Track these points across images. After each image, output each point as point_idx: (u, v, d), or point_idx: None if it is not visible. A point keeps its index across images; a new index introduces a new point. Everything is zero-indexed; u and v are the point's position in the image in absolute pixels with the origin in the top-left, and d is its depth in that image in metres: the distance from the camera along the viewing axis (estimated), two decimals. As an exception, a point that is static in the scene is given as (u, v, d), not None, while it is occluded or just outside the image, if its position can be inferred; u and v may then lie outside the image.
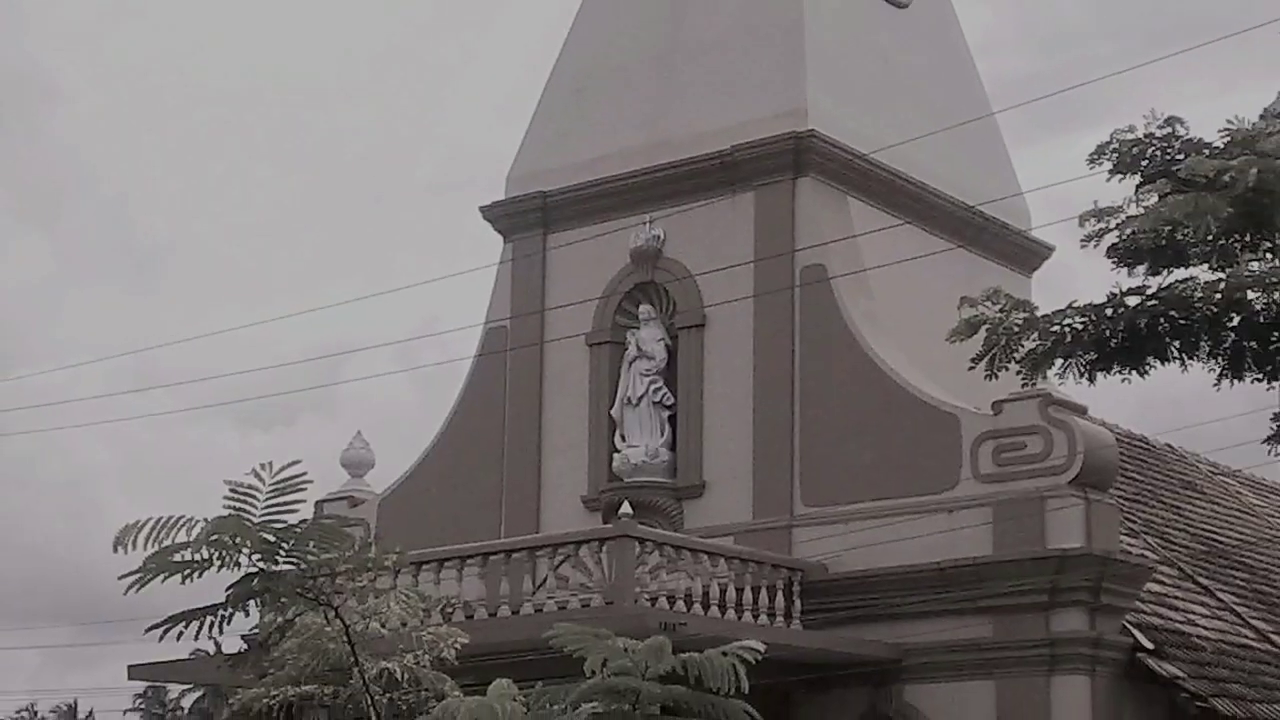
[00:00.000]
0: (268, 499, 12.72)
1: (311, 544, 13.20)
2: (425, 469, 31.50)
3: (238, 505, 12.68)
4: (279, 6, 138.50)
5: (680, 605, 24.29)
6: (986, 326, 14.14)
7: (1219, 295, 13.12)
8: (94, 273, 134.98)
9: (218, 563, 12.72)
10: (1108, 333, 13.44)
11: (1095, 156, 14.09)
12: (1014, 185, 32.02)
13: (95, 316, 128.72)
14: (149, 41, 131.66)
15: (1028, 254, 32.26)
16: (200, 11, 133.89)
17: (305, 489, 12.95)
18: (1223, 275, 13.23)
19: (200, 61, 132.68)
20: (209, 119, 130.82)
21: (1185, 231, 13.03)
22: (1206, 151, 13.48)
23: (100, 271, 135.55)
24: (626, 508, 25.42)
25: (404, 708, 14.41)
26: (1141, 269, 13.52)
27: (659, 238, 29.47)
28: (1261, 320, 13.00)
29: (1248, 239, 13.23)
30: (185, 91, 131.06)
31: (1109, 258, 13.56)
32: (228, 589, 13.06)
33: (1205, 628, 28.33)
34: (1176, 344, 13.35)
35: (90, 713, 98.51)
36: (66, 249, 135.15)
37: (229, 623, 13.29)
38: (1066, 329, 13.67)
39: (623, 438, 29.24)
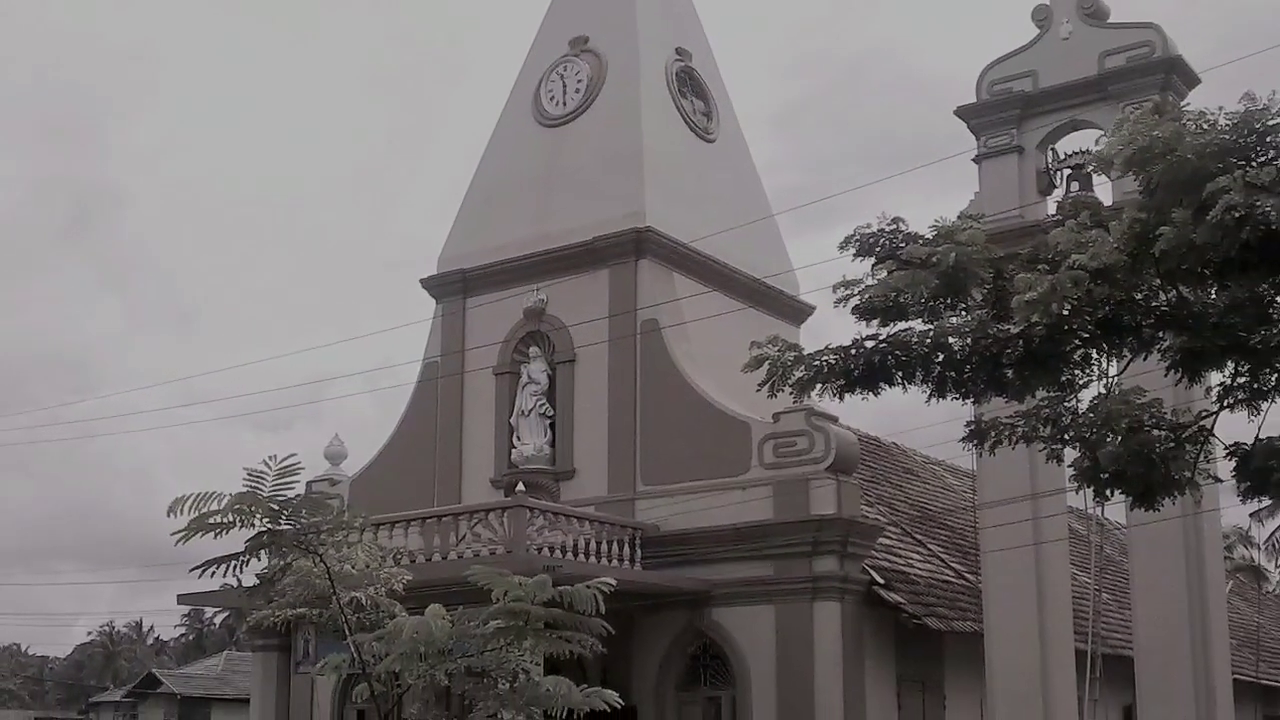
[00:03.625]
0: (273, 480, 12.76)
1: (304, 511, 13.23)
2: (383, 460, 31.24)
3: (253, 485, 12.69)
4: (284, 141, 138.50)
5: (558, 553, 24.19)
6: (768, 361, 14.12)
7: (929, 340, 13.17)
8: (153, 324, 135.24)
9: (239, 524, 12.71)
10: (852, 366, 13.44)
11: (844, 244, 14.11)
12: (787, 264, 32.17)
13: (154, 354, 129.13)
14: (194, 162, 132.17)
15: (797, 311, 32.40)
16: (231, 142, 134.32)
17: (299, 474, 13.03)
18: (931, 327, 13.31)
19: (230, 176, 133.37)
20: (236, 216, 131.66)
21: (906, 296, 13.08)
22: (921, 241, 13.55)
23: (157, 323, 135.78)
24: (521, 486, 25.43)
25: (368, 624, 14.36)
26: (876, 322, 13.54)
27: (544, 301, 29.39)
28: (959, 357, 13.07)
29: (949, 301, 13.31)
30: (219, 197, 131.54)
31: (853, 314, 13.57)
32: (246, 542, 13.03)
33: (920, 569, 28.56)
34: (900, 374, 13.37)
35: (151, 627, 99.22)
36: (134, 307, 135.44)
37: (247, 565, 13.31)
38: (823, 363, 13.66)
39: (518, 438, 29.14)
